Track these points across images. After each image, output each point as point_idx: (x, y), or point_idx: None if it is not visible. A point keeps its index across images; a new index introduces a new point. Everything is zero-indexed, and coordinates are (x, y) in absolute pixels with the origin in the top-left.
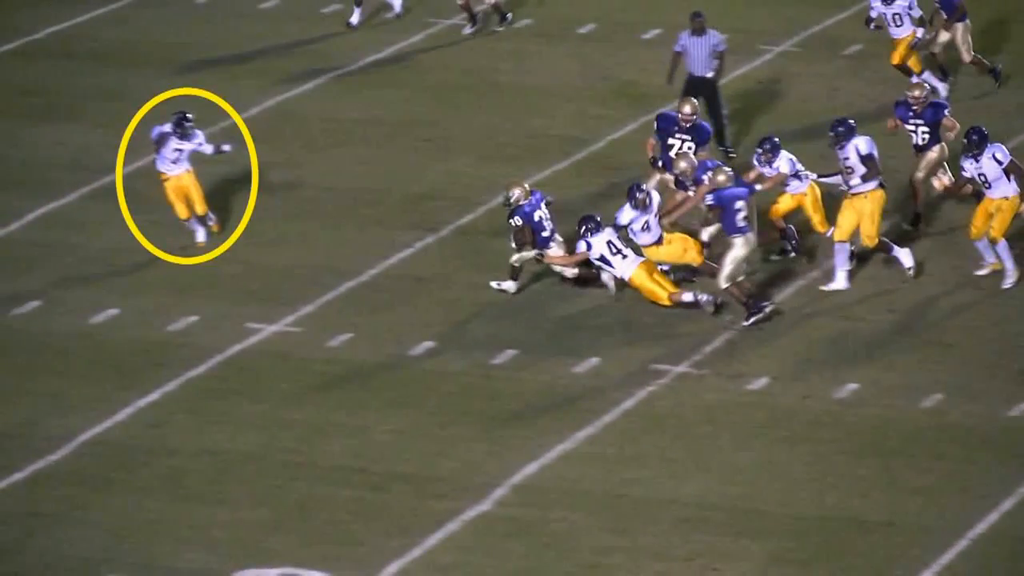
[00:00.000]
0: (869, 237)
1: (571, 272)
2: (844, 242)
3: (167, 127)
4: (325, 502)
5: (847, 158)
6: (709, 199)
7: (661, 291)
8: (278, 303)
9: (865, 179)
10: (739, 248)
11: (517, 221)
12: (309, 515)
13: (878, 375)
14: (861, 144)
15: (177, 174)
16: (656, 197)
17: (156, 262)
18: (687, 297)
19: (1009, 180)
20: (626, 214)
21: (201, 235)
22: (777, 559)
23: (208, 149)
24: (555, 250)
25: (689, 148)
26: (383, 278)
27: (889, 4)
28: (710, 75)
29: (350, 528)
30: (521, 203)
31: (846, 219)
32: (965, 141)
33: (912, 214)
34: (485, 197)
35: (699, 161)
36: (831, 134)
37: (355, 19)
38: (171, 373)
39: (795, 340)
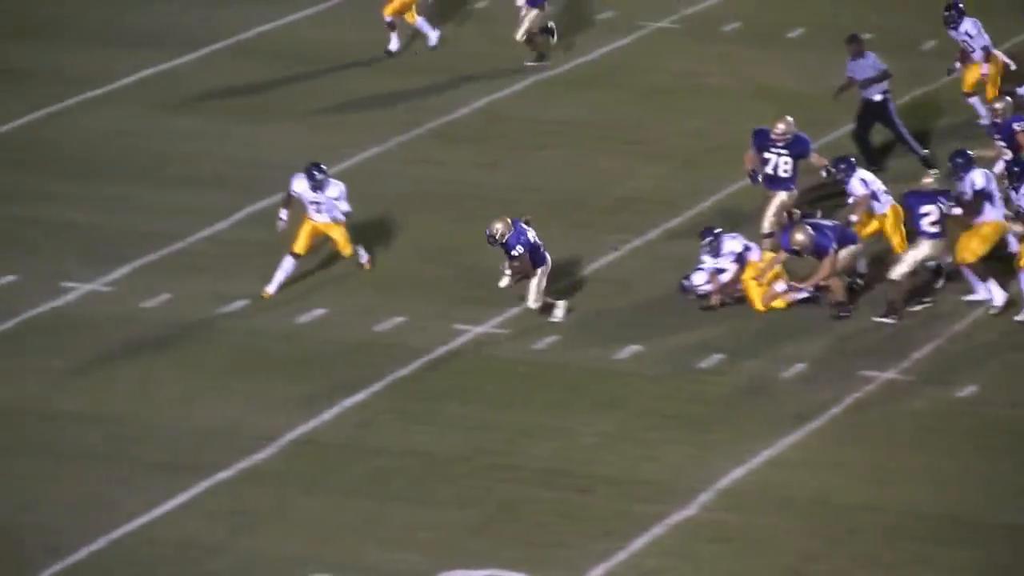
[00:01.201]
0: (972, 253)
1: (534, 303)
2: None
3: (302, 176)
4: (530, 504)
5: (963, 192)
6: (833, 245)
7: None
8: (485, 305)
9: (968, 213)
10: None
11: (519, 250)
12: (514, 517)
13: None
14: (977, 178)
15: (323, 221)
16: (724, 242)
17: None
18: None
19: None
20: (707, 262)
21: (272, 286)
22: (985, 569)
23: (344, 207)
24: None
25: (786, 163)
26: (589, 281)
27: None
28: (877, 98)
29: (555, 530)
30: (507, 235)
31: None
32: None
33: None
34: (691, 201)
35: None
36: (949, 164)
37: (394, 45)
38: (378, 373)
39: (1003, 349)
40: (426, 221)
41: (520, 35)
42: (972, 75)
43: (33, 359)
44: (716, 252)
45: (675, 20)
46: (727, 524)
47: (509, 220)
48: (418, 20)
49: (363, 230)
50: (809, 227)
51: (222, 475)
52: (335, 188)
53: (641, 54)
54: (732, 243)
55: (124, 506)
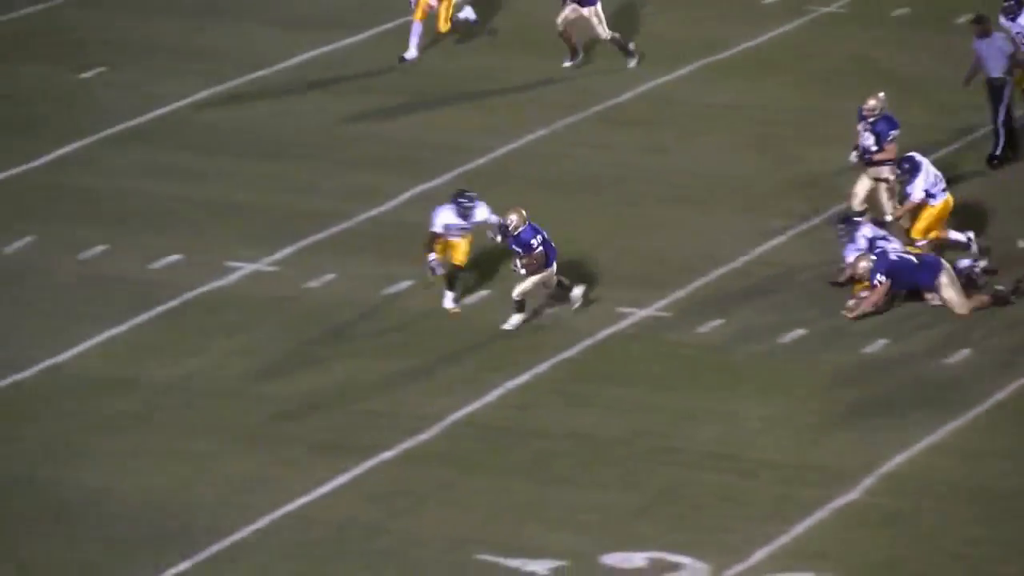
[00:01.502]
0: None
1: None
2: None
3: (448, 208)
4: (693, 487)
5: None
6: (879, 277)
7: None
8: (649, 287)
9: None
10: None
11: (538, 240)
12: (676, 500)
13: None
14: None
15: (454, 240)
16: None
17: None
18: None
19: None
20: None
21: (448, 301)
22: None
23: (493, 219)
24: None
25: (871, 141)
26: (755, 265)
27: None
28: (996, 75)
29: (718, 514)
30: (521, 228)
31: None
32: None
33: None
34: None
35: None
36: None
37: (411, 54)
38: (542, 355)
39: None
40: (591, 204)
41: (605, 35)
42: None
43: (197, 338)
44: (851, 239)
45: (843, 5)
46: (890, 509)
47: (524, 213)
48: (415, 26)
49: (528, 213)
50: (872, 255)
51: (385, 455)
52: (482, 210)
53: (809, 38)
54: (866, 230)
55: (286, 486)
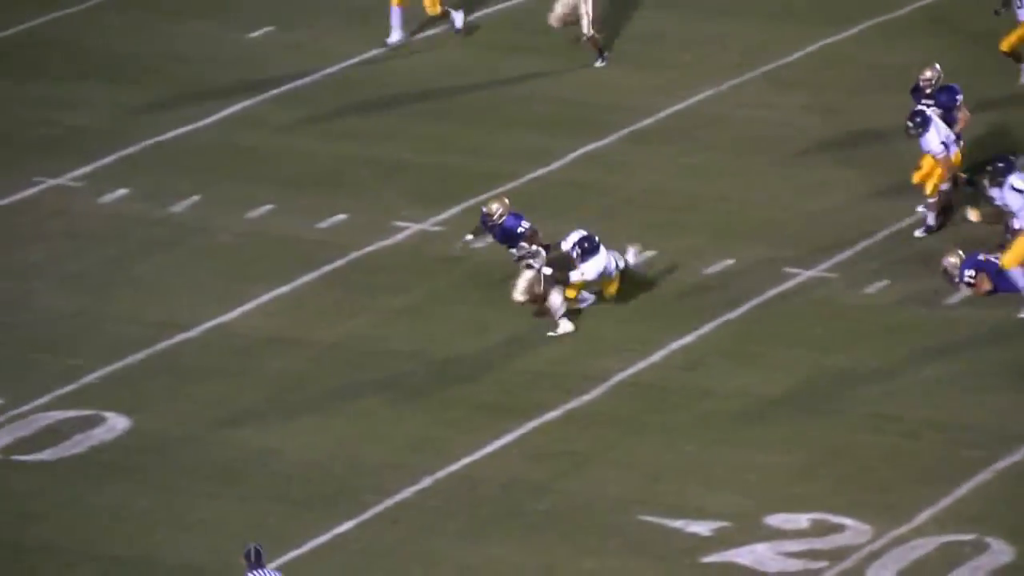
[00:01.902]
0: None
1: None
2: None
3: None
4: (857, 449)
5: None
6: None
7: None
8: (815, 248)
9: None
10: None
11: (526, 225)
12: (840, 461)
13: None
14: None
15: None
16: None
17: (694, 205)
18: None
19: None
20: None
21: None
22: None
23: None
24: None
25: (933, 111)
26: (920, 226)
27: None
28: None
29: (881, 475)
30: (505, 216)
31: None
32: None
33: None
34: None
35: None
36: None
37: (395, 37)
38: (707, 316)
39: None
40: (757, 165)
41: (587, 28)
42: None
43: (364, 298)
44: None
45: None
46: None
47: (507, 200)
48: (394, 10)
49: (693, 173)
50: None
51: (549, 416)
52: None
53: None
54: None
55: (450, 447)
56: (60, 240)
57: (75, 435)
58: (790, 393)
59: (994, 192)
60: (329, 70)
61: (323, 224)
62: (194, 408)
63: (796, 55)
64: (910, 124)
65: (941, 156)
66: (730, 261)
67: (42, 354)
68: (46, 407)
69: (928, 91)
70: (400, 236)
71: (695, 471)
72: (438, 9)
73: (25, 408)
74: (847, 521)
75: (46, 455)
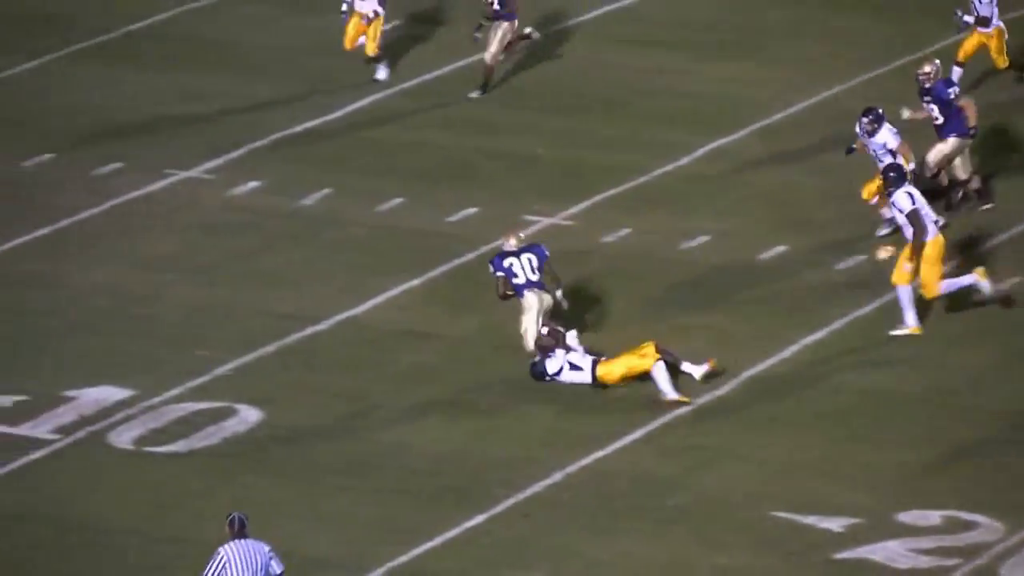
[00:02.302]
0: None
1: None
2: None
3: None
4: (989, 445)
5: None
6: None
7: None
8: (949, 244)
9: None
10: None
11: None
12: (972, 458)
13: None
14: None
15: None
16: None
17: (825, 202)
18: None
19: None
20: None
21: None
22: None
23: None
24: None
25: (933, 108)
26: None
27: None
28: None
29: (1014, 472)
30: (510, 248)
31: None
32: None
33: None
34: None
35: None
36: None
37: (382, 74)
38: (838, 312)
39: None
40: None
41: (490, 57)
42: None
43: (494, 292)
44: None
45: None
46: None
47: (521, 236)
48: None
49: (822, 169)
50: None
51: (680, 411)
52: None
53: None
54: None
55: (581, 441)
56: (191, 232)
57: (207, 427)
58: (921, 389)
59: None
60: (460, 63)
61: (454, 218)
62: (325, 401)
63: (929, 50)
64: (864, 120)
65: (897, 146)
66: (861, 257)
67: (174, 346)
68: (178, 399)
69: (927, 85)
70: (530, 230)
71: (826, 467)
72: (376, 49)
73: (157, 400)
74: (979, 518)
75: (178, 447)
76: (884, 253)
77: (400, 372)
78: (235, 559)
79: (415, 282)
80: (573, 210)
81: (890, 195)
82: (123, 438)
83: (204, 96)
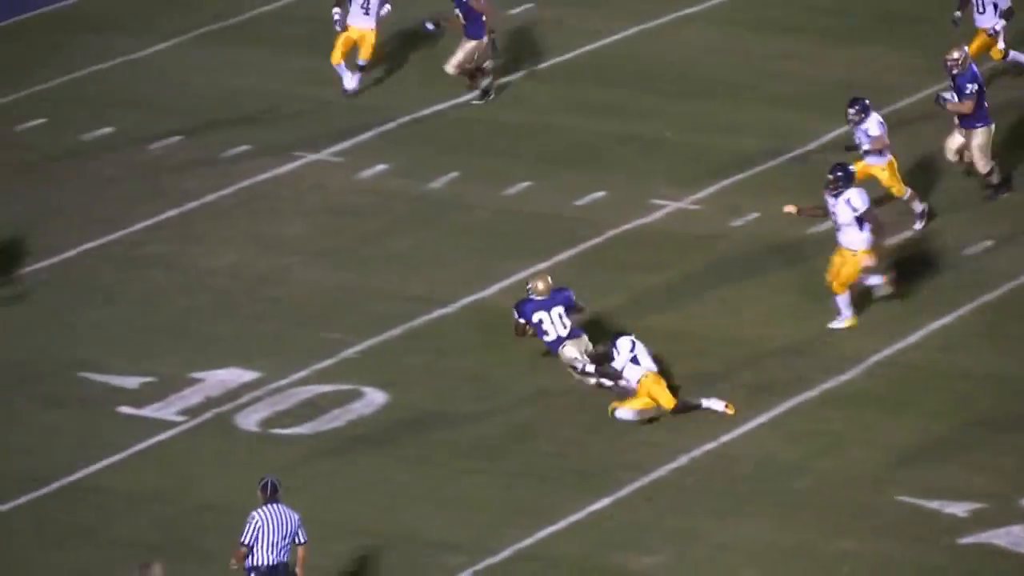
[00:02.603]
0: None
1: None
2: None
3: None
4: None
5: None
6: None
7: None
8: None
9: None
10: None
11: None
12: None
13: None
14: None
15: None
16: None
17: (953, 187)
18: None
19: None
20: None
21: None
22: None
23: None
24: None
25: (949, 94)
26: None
27: None
28: None
29: None
30: (541, 296)
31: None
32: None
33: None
34: None
35: None
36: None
37: (351, 84)
38: (964, 297)
39: None
40: (1019, 144)
41: (451, 67)
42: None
43: (619, 276)
44: None
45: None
46: None
47: (549, 280)
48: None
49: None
50: None
51: (806, 395)
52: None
53: None
54: None
55: (707, 425)
56: (319, 215)
57: (333, 409)
58: None
59: (828, 199)
60: (590, 47)
61: (581, 201)
62: (451, 384)
63: None
64: (851, 111)
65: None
66: (988, 243)
67: (301, 328)
68: (304, 381)
69: (955, 72)
70: (658, 214)
71: (951, 452)
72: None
73: (284, 382)
74: None
75: (304, 429)
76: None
77: (526, 356)
78: (268, 522)
79: (541, 266)
80: (700, 194)
81: (837, 195)
82: (249, 420)
83: (333, 79)
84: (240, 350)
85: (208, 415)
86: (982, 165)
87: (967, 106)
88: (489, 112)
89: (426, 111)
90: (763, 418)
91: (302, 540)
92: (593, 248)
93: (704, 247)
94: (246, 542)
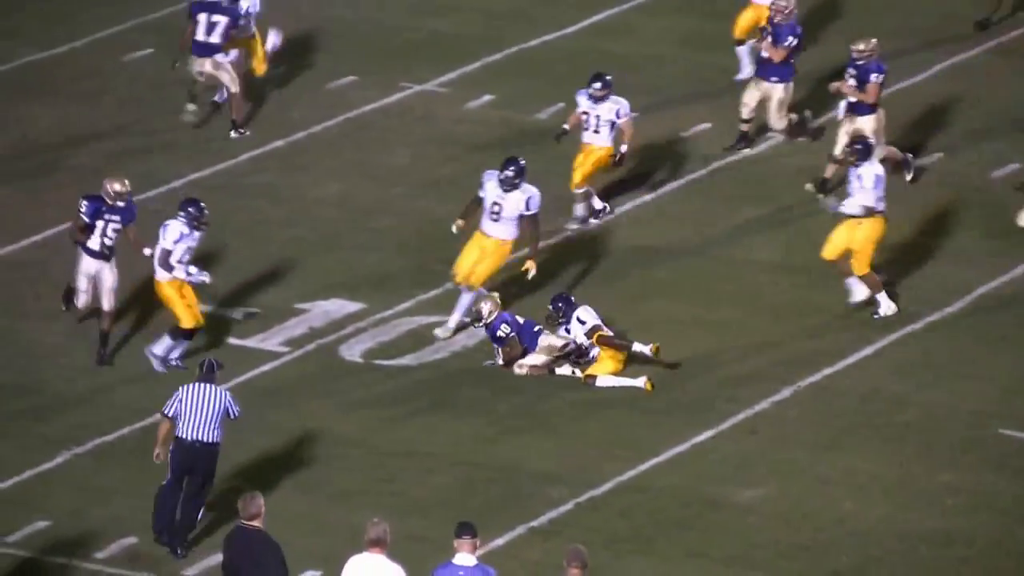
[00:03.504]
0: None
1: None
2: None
3: None
4: None
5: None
6: None
7: None
8: None
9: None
10: None
11: (505, 330)
12: None
13: None
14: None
15: None
16: None
17: None
18: None
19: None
20: None
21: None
22: None
23: None
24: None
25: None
26: None
27: None
28: None
29: None
30: (493, 317)
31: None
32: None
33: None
34: None
35: None
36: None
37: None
38: None
39: None
40: None
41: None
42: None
43: (724, 207)
44: None
45: None
46: None
47: (497, 299)
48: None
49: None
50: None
51: (911, 327)
52: None
53: None
54: None
55: (811, 356)
56: (425, 146)
57: (436, 341)
58: None
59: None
60: None
61: (687, 133)
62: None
63: None
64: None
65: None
66: None
67: (405, 259)
68: (408, 312)
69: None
70: (764, 146)
71: None
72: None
73: (388, 313)
74: None
75: (407, 360)
76: None
77: (631, 287)
78: (187, 397)
79: (647, 197)
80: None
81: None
82: (353, 351)
83: (440, 10)
84: (344, 281)
85: (311, 346)
86: (776, 120)
87: (779, 54)
88: (596, 43)
89: (534, 41)
90: (868, 351)
91: (235, 413)
92: (699, 180)
93: (807, 178)
94: (166, 412)
